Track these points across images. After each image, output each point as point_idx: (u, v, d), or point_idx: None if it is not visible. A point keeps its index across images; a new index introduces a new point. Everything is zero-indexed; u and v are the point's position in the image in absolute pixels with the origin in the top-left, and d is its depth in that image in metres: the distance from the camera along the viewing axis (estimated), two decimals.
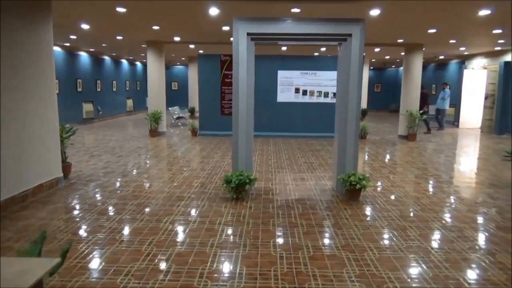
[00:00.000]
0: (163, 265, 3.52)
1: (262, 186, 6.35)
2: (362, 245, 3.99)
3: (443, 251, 3.88)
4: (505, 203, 5.59)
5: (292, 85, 12.32)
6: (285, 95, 12.38)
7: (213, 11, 7.09)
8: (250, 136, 5.84)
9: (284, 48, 13.49)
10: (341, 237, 4.20)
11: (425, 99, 13.55)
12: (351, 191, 5.57)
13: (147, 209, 5.10)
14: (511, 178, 7.02)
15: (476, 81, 15.48)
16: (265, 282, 3.23)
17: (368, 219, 4.84)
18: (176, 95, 23.97)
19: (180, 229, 4.43)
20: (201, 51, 15.25)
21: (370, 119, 18.13)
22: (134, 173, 7.26)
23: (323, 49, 13.95)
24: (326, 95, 12.25)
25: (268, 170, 7.56)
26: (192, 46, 13.66)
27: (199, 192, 5.97)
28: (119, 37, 11.33)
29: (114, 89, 18.97)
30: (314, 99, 12.32)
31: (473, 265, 3.59)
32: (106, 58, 18.09)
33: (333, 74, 11.50)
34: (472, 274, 3.42)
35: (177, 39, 11.45)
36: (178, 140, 11.80)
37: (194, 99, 18.76)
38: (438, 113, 15.05)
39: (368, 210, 5.19)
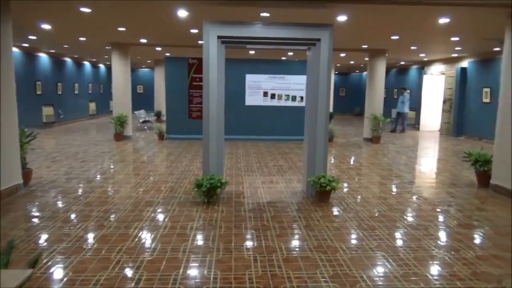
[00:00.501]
0: (134, 273, 3.41)
1: (232, 189, 6.31)
2: (334, 246, 4.05)
3: (411, 249, 4.01)
4: (464, 201, 5.87)
5: (261, 88, 12.38)
6: (253, 98, 12.42)
7: (182, 13, 7.00)
8: (221, 139, 5.80)
9: (252, 52, 13.54)
10: (313, 239, 4.25)
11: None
12: (321, 193, 5.65)
13: (114, 216, 4.93)
14: (471, 178, 7.39)
15: (434, 86, 16.20)
16: (240, 285, 3.20)
17: (338, 220, 4.92)
18: (142, 99, 23.48)
19: (150, 235, 4.32)
20: (168, 54, 15.03)
21: (336, 122, 18.53)
22: (99, 178, 7.02)
23: (290, 53, 14.13)
24: (294, 98, 12.40)
25: (238, 174, 7.54)
26: (158, 48, 13.43)
27: (168, 197, 5.85)
28: (82, 38, 10.95)
29: (76, 92, 18.30)
30: (282, 103, 12.44)
31: (440, 262, 3.73)
32: (68, 59, 17.42)
33: (300, 78, 11.69)
34: (439, 271, 3.55)
35: (143, 41, 11.22)
36: (144, 144, 11.54)
37: (160, 103, 18.45)
38: (399, 117, 15.67)
39: (338, 211, 5.28)
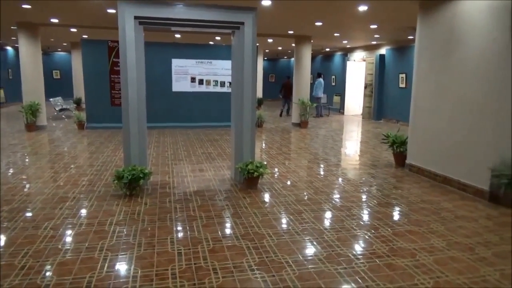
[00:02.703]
0: (41, 279, 3.05)
1: (158, 180, 6.03)
2: (261, 232, 4.02)
3: (335, 230, 4.11)
4: (383, 181, 6.21)
5: (188, 74, 12.00)
6: (180, 84, 12.00)
7: None
8: (143, 128, 5.46)
9: (178, 36, 13.03)
10: (241, 226, 4.18)
11: (290, 88, 14.53)
12: (249, 179, 5.61)
13: (22, 215, 4.42)
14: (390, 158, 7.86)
15: (357, 72, 17.02)
16: (162, 282, 3.02)
17: (266, 206, 4.91)
18: (58, 85, 21.66)
19: (63, 234, 3.92)
20: (85, 36, 13.90)
21: (266, 108, 18.72)
22: (5, 174, 6.27)
23: (218, 38, 13.85)
24: (222, 84, 12.22)
25: (165, 163, 7.23)
26: (73, 30, 12.34)
27: (86, 191, 5.41)
28: None
29: None
30: (211, 89, 12.20)
31: (361, 241, 3.87)
32: None
33: (228, 64, 11.50)
34: (360, 249, 3.68)
35: (54, 21, 10.19)
36: (61, 134, 10.62)
37: (80, 89, 17.12)
38: (319, 101, 16.28)
39: (266, 197, 5.27)
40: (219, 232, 4.04)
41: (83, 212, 4.58)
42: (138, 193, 5.21)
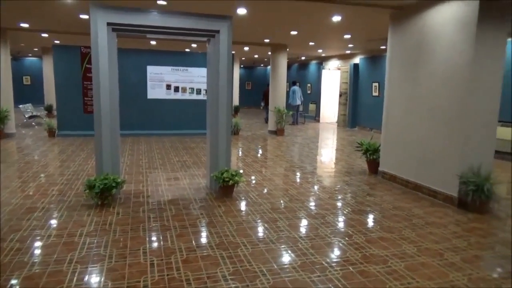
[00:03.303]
0: None
1: (132, 189, 5.91)
2: (236, 242, 4.00)
3: (309, 238, 4.14)
4: (357, 188, 6.31)
5: (163, 81, 11.89)
6: (156, 91, 11.88)
7: None
8: (116, 135, 5.36)
9: (153, 43, 12.92)
10: (215, 236, 4.14)
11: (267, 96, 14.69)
12: (224, 188, 5.58)
13: None
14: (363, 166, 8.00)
15: (332, 80, 17.32)
16: None
17: (241, 214, 4.89)
18: (29, 91, 21.07)
19: (30, 247, 3.78)
20: (57, 42, 13.58)
21: (242, 116, 18.76)
22: None
23: (194, 45, 13.81)
24: (198, 92, 12.17)
25: (139, 171, 7.11)
26: (45, 35, 12.02)
27: (56, 201, 5.24)
28: None
29: None
30: (187, 96, 12.12)
31: (335, 248, 3.91)
32: None
33: (204, 71, 11.46)
34: (334, 257, 3.71)
35: (24, 25, 9.91)
36: (31, 142, 10.28)
37: (51, 96, 16.67)
38: (297, 109, 16.38)
39: (241, 206, 5.26)
40: (193, 242, 3.99)
41: (52, 223, 4.43)
42: (110, 202, 5.09)
